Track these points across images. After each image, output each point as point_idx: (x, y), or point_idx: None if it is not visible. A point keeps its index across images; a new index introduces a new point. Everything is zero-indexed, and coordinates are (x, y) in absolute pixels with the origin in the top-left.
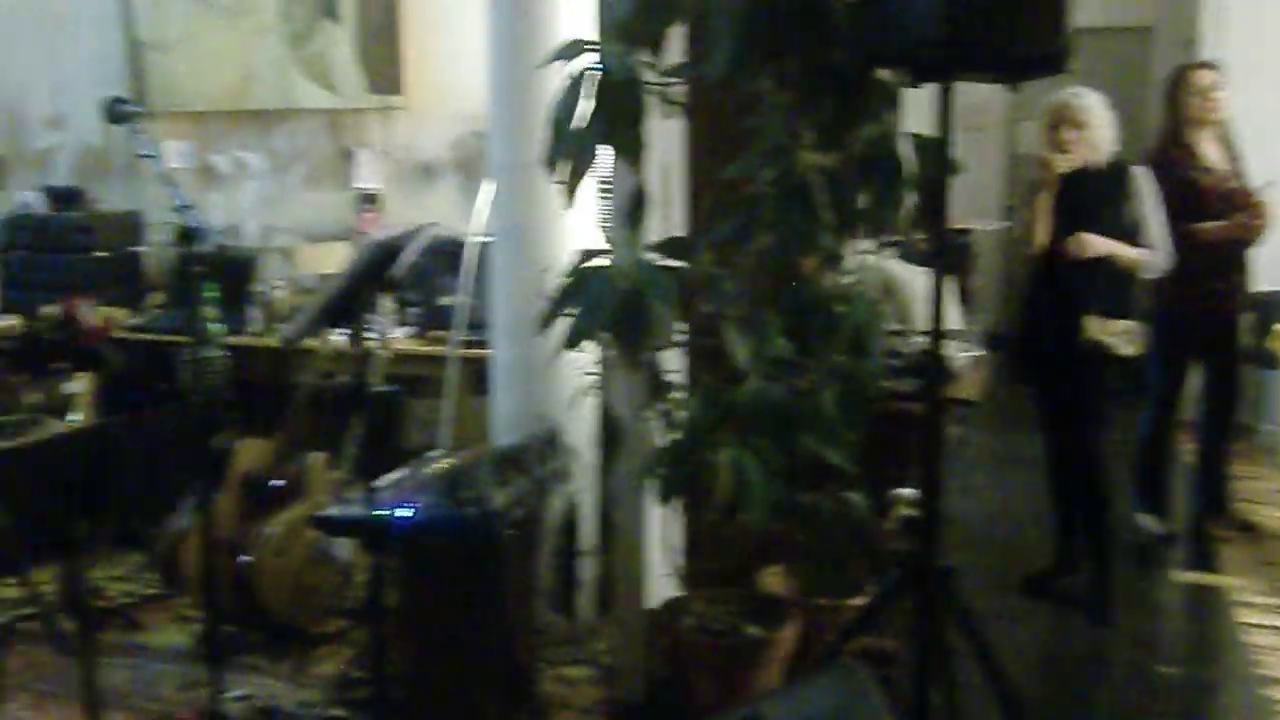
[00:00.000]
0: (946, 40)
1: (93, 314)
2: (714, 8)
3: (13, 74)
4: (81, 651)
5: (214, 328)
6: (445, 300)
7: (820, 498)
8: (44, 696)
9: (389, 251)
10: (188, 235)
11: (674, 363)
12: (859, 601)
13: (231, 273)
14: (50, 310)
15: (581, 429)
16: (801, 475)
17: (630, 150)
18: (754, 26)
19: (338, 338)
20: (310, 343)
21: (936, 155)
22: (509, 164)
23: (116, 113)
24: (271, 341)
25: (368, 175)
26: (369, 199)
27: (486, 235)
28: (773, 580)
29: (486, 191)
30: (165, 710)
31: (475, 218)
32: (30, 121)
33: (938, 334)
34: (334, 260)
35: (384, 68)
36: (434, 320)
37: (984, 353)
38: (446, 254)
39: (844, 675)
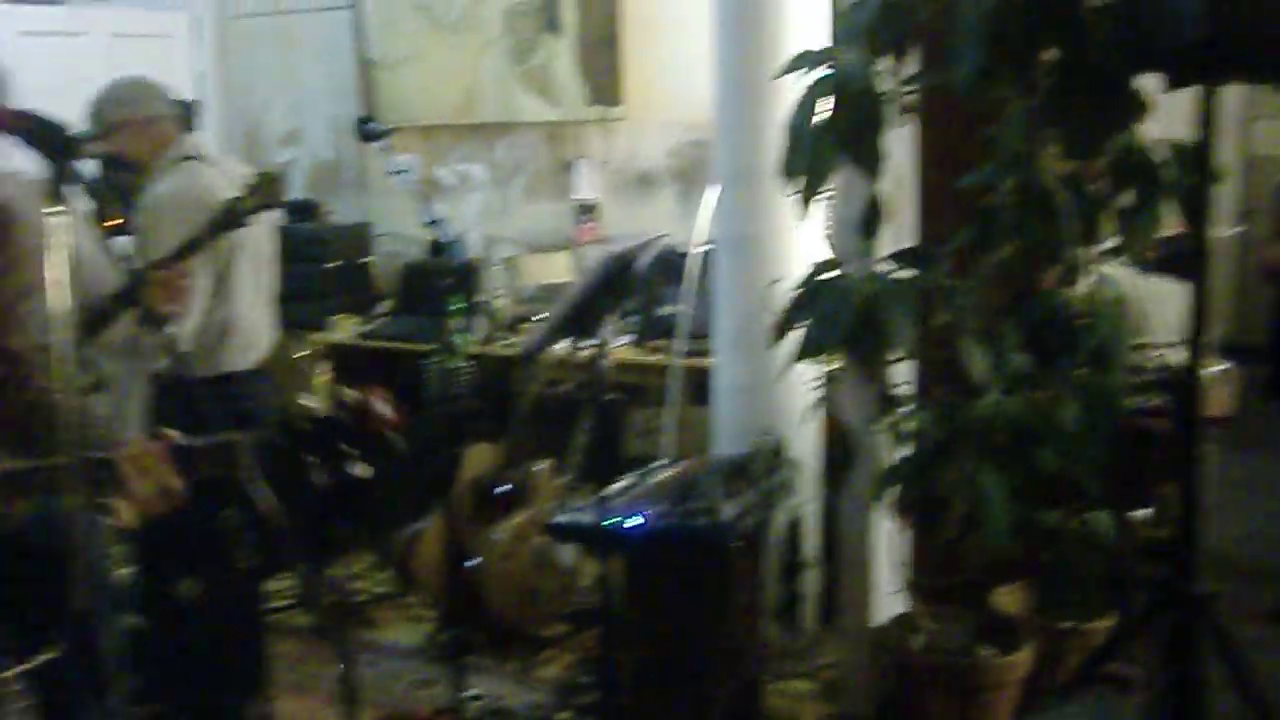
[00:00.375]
0: (1209, 40)
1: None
2: (960, 12)
3: (254, 94)
4: (339, 646)
5: (460, 338)
6: (664, 310)
7: (1062, 517)
8: (291, 689)
9: (624, 263)
10: (438, 248)
11: (904, 376)
12: (1100, 625)
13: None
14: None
15: (804, 441)
16: (1041, 493)
17: (869, 160)
18: (1003, 31)
19: (564, 347)
20: (517, 353)
21: (1197, 162)
22: (735, 173)
23: (366, 132)
24: (496, 350)
25: (586, 186)
26: (587, 209)
27: (708, 245)
28: (1006, 600)
29: (708, 201)
30: (399, 706)
31: (697, 227)
32: (269, 138)
33: (1196, 347)
34: (553, 271)
35: (604, 79)
36: (653, 330)
37: (1231, 366)
38: (665, 264)
39: (1099, 705)
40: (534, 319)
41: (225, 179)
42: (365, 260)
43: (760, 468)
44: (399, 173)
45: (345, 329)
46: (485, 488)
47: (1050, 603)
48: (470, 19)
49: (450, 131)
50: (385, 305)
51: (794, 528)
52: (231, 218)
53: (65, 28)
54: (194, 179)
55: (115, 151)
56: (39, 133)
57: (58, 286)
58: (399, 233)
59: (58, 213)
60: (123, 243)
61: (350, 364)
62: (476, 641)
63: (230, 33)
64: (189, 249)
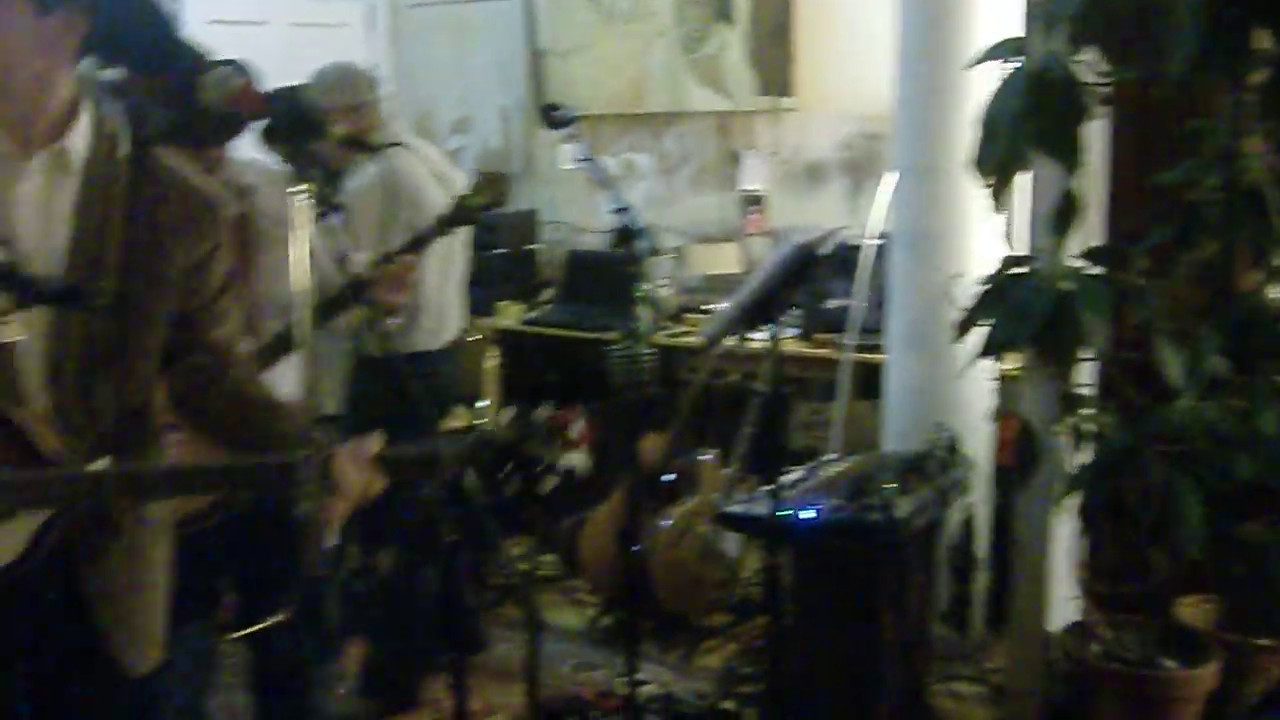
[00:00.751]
0: None
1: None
2: (1174, 3)
3: (425, 82)
4: (528, 624)
5: (644, 326)
6: (832, 303)
7: (1260, 528)
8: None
9: (806, 254)
10: (625, 236)
11: (1087, 376)
12: None
13: (614, 273)
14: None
15: (977, 439)
16: (1237, 502)
17: (1068, 153)
18: (1221, 20)
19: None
20: (697, 341)
21: None
22: (915, 166)
23: (552, 118)
24: (660, 339)
25: (754, 177)
26: (754, 200)
27: (881, 238)
28: (1191, 611)
29: (883, 193)
30: (561, 687)
31: (870, 220)
32: (440, 126)
33: None
34: (718, 262)
35: (775, 69)
36: (819, 322)
37: None
38: (834, 256)
39: None
40: (700, 309)
41: (426, 166)
42: (531, 247)
43: (935, 465)
44: (584, 160)
45: (511, 315)
46: (650, 475)
47: (1241, 617)
48: (641, 8)
49: (618, 121)
50: (549, 292)
51: (967, 527)
52: (459, 214)
53: (249, 16)
54: (399, 166)
55: (355, 137)
56: (285, 116)
57: (300, 271)
58: (565, 220)
59: (300, 196)
60: (325, 227)
61: (515, 349)
62: (641, 628)
63: (403, 21)
64: (416, 243)
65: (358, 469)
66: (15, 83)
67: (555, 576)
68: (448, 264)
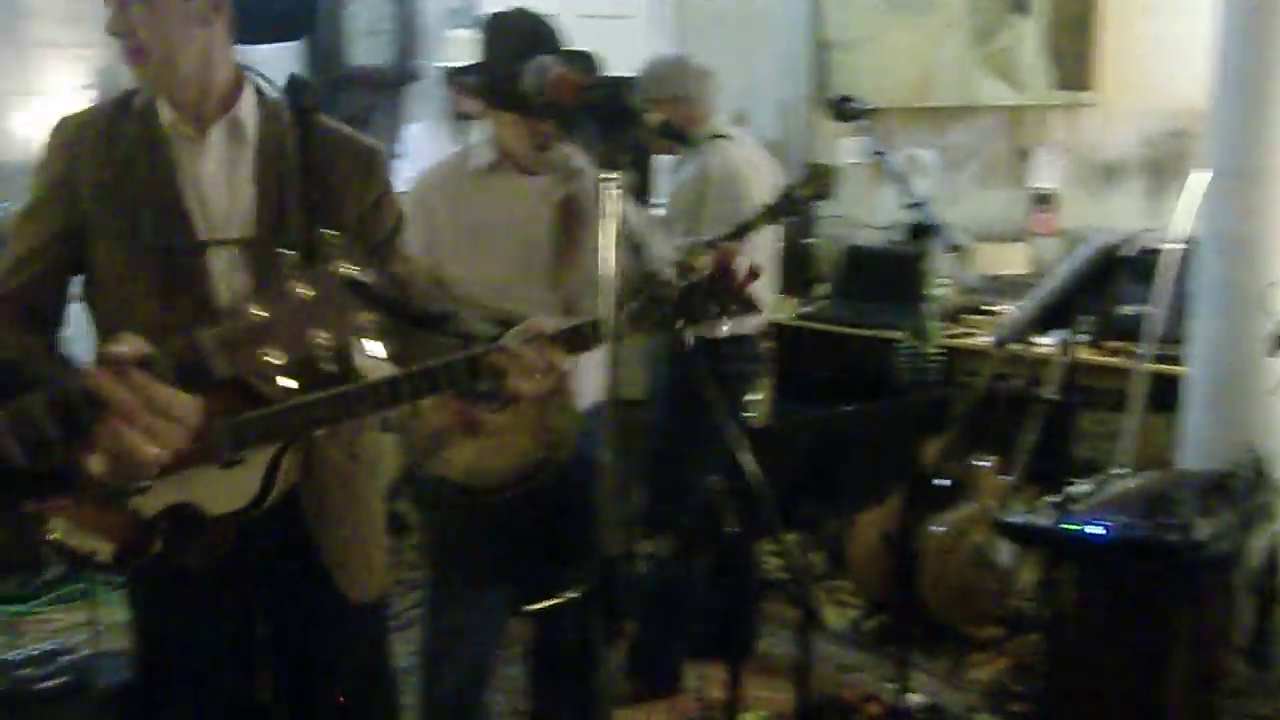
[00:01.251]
0: None
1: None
2: None
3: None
4: (804, 622)
5: (933, 325)
6: (1127, 309)
7: None
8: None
9: (1108, 257)
10: (919, 231)
11: None
12: None
13: (902, 270)
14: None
15: None
16: None
17: None
18: None
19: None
20: (982, 342)
21: None
22: (1231, 167)
23: (844, 110)
24: (941, 340)
25: (1045, 175)
26: (1044, 199)
27: (1186, 242)
28: None
29: (1190, 195)
30: (822, 688)
31: (1174, 223)
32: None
33: None
34: (1004, 262)
35: (1073, 62)
36: (1112, 329)
37: None
38: (1131, 260)
39: None
40: (981, 309)
41: (751, 159)
42: (807, 241)
43: (1239, 487)
44: (875, 154)
45: (785, 308)
46: (924, 478)
47: None
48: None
49: (902, 114)
50: (824, 287)
51: (1271, 556)
52: (785, 205)
53: (540, 9)
54: (727, 158)
55: (670, 126)
56: (603, 103)
57: (607, 255)
58: (843, 215)
59: (612, 182)
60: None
61: (789, 344)
62: (905, 634)
63: (688, 13)
64: (740, 231)
65: (536, 349)
66: (181, 63)
67: (820, 575)
68: (759, 249)
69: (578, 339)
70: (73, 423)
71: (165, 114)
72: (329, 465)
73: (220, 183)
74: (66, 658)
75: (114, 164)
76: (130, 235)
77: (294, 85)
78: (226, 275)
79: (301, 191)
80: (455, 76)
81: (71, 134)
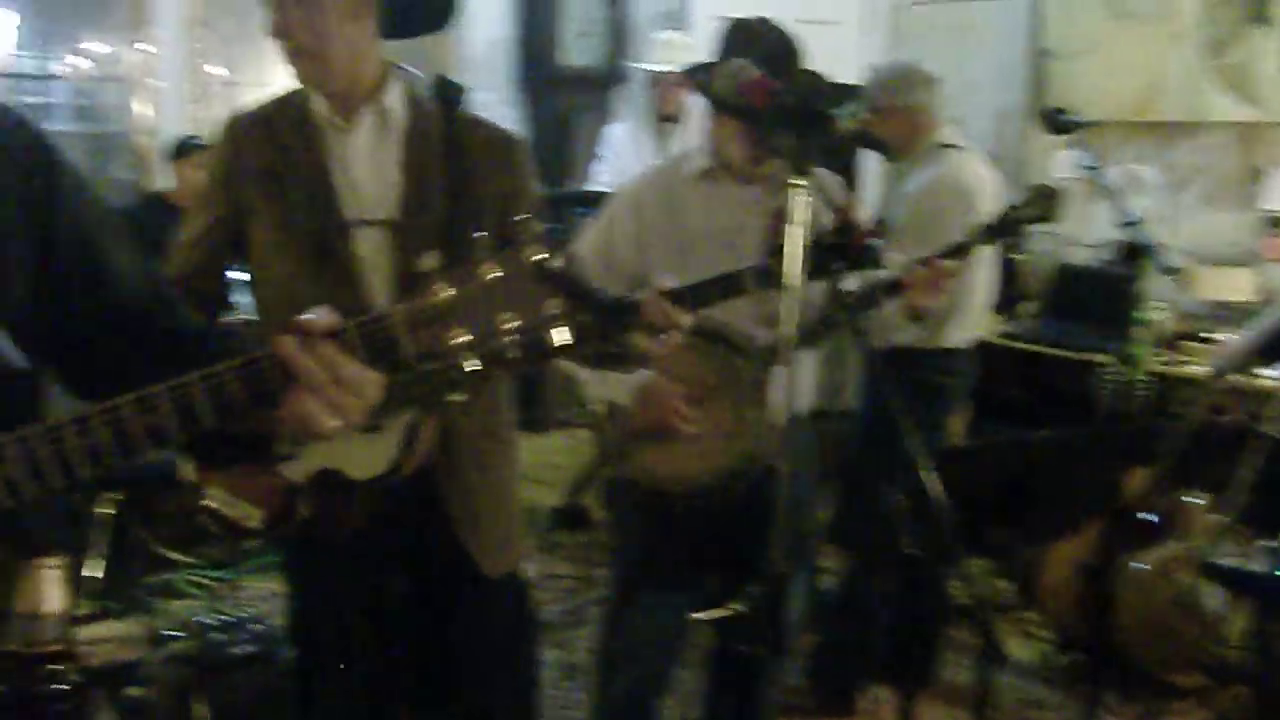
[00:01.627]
0: None
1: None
2: None
3: None
4: (985, 651)
5: (1143, 350)
6: None
7: None
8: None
9: None
10: (1132, 252)
11: None
12: None
13: (1113, 291)
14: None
15: None
16: None
17: None
18: None
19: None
20: (1200, 371)
21: None
22: None
23: (1056, 123)
24: (1153, 367)
25: (1278, 196)
26: (1276, 222)
27: None
28: None
29: None
30: None
31: None
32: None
33: None
34: (1229, 287)
35: None
36: None
37: None
38: None
39: None
40: (1201, 337)
41: (978, 171)
42: (1014, 257)
43: None
44: (1088, 169)
45: (987, 326)
46: (1129, 512)
47: None
48: (1162, 9)
49: (1123, 129)
50: (1031, 306)
51: None
52: (1006, 225)
53: (756, 12)
54: (956, 170)
55: (866, 133)
56: (790, 107)
57: (793, 259)
58: (1054, 232)
59: (799, 187)
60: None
61: (989, 362)
62: (1103, 674)
63: (904, 19)
64: (958, 249)
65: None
66: (332, 54)
67: (1008, 605)
68: (980, 264)
69: (709, 291)
70: (261, 391)
71: (318, 105)
72: (465, 441)
73: (367, 167)
74: (257, 626)
75: (272, 152)
76: (284, 216)
77: (440, 81)
78: (371, 255)
79: (444, 177)
80: (687, 75)
81: (237, 129)
